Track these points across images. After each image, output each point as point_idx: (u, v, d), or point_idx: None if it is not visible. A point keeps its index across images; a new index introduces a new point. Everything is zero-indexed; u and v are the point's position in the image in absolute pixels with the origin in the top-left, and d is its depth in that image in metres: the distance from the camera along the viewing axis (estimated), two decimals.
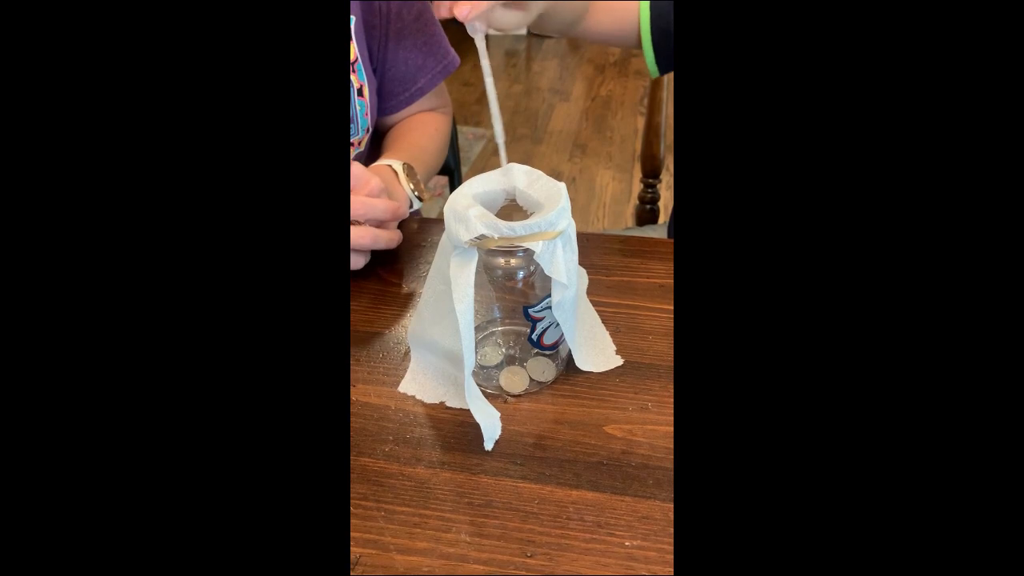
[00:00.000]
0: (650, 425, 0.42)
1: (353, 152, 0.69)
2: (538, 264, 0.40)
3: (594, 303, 0.51)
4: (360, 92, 0.66)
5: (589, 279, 0.53)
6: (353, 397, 0.45)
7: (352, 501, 0.38)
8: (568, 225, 0.40)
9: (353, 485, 0.39)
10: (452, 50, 0.74)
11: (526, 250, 0.39)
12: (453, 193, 0.40)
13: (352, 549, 0.36)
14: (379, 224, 0.53)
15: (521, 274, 0.42)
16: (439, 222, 0.60)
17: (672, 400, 0.44)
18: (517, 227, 0.38)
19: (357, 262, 0.53)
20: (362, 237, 0.51)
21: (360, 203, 0.51)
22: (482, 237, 0.38)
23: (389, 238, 0.54)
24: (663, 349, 0.48)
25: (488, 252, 0.40)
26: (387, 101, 0.71)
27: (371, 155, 0.75)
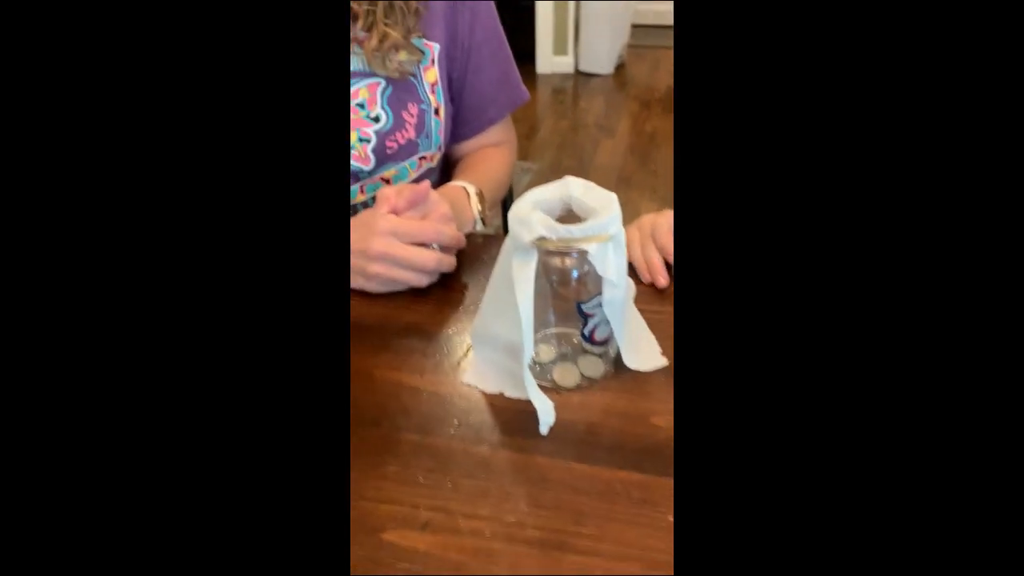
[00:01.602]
0: None
1: (424, 167, 0.75)
2: (591, 265, 0.44)
3: (641, 311, 0.55)
4: (437, 112, 0.72)
5: (636, 290, 0.58)
6: (421, 387, 0.50)
7: (422, 473, 0.43)
8: (618, 230, 0.44)
9: (422, 460, 0.43)
10: (523, 86, 0.80)
11: (580, 252, 0.44)
12: (516, 201, 0.45)
13: (422, 513, 0.40)
14: (443, 249, 0.58)
15: (575, 274, 0.46)
16: (500, 239, 0.65)
17: None
18: (573, 230, 0.42)
19: (421, 281, 0.57)
20: (429, 261, 0.56)
21: (432, 229, 0.56)
22: (542, 239, 0.43)
23: (451, 263, 0.58)
24: None
25: (546, 253, 0.44)
26: (460, 128, 0.78)
27: (441, 178, 0.81)
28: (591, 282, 0.46)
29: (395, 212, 0.57)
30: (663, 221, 0.59)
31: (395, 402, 0.48)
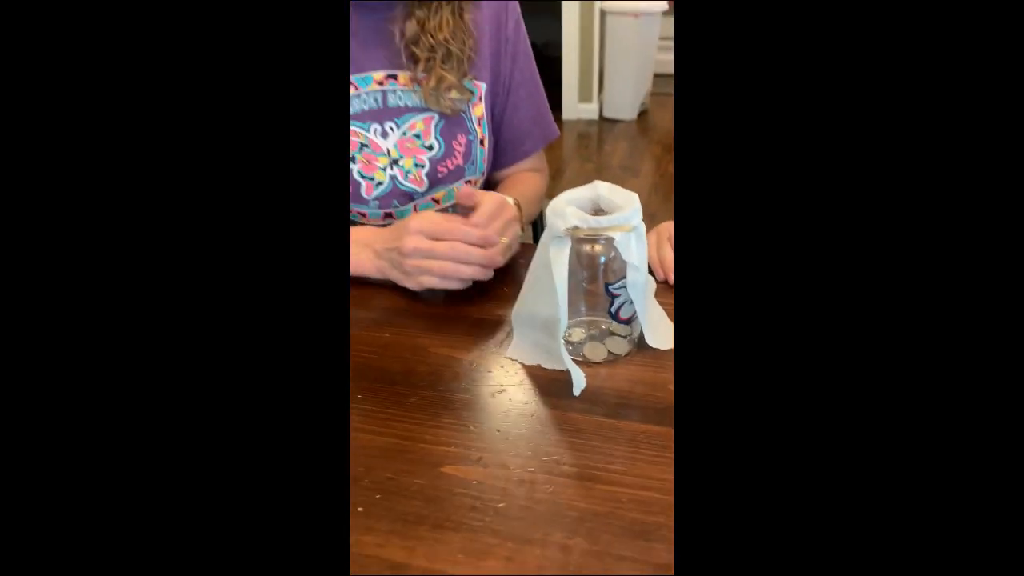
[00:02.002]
0: None
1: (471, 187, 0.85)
2: (617, 252, 0.52)
3: (659, 302, 0.63)
4: (482, 142, 0.82)
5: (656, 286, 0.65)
6: (469, 359, 0.57)
7: (472, 423, 0.50)
8: (640, 223, 0.52)
9: (472, 413, 0.51)
10: (554, 124, 0.90)
11: (607, 240, 0.52)
12: (553, 200, 0.54)
13: (474, 452, 0.47)
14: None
15: (603, 259, 0.54)
16: (534, 248, 0.74)
17: None
18: (602, 220, 0.50)
19: (452, 283, 0.63)
20: (457, 250, 0.61)
21: (460, 228, 0.61)
22: (575, 228, 0.51)
23: (485, 274, 0.64)
24: None
25: (578, 240, 0.53)
26: (499, 157, 0.88)
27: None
28: (617, 266, 0.54)
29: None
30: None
31: (448, 371, 0.56)
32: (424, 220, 0.62)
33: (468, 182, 0.83)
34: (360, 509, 0.43)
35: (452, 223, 0.62)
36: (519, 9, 0.84)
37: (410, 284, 0.65)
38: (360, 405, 0.52)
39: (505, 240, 0.65)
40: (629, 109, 3.55)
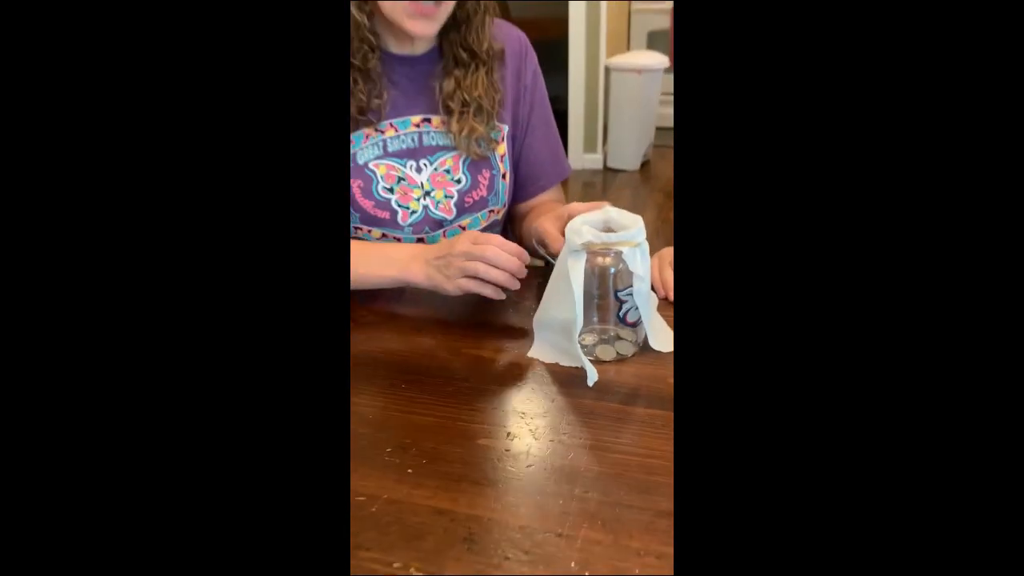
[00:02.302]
0: None
1: (492, 218, 0.94)
2: (624, 264, 0.61)
3: (662, 315, 0.72)
4: (504, 177, 0.93)
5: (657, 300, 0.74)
6: (496, 359, 0.66)
7: (500, 408, 0.59)
8: (644, 240, 0.62)
9: (500, 400, 0.60)
10: (567, 163, 1.01)
11: (616, 253, 0.61)
12: (570, 221, 0.63)
13: (502, 428, 0.56)
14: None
15: (613, 270, 0.63)
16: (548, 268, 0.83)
17: None
18: (612, 236, 0.60)
19: (487, 288, 0.71)
20: (499, 256, 0.69)
21: (496, 245, 0.71)
22: (589, 243, 0.60)
23: (513, 283, 0.72)
24: None
25: (592, 253, 0.62)
26: (519, 192, 0.98)
27: (504, 228, 1.01)
28: (624, 276, 0.63)
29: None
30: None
31: (479, 367, 0.65)
32: (473, 233, 0.73)
33: (491, 211, 0.93)
34: (410, 471, 0.51)
35: (495, 237, 0.72)
36: (536, 60, 0.96)
37: (450, 287, 0.72)
38: (404, 393, 0.61)
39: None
40: (632, 160, 3.71)
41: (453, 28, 0.85)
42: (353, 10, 0.80)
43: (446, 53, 0.87)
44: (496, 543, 0.45)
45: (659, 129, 3.95)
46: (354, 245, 0.80)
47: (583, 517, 0.47)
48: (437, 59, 0.88)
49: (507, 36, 0.92)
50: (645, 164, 3.81)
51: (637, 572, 0.42)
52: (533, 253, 0.81)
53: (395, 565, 0.43)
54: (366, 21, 0.81)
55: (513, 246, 0.71)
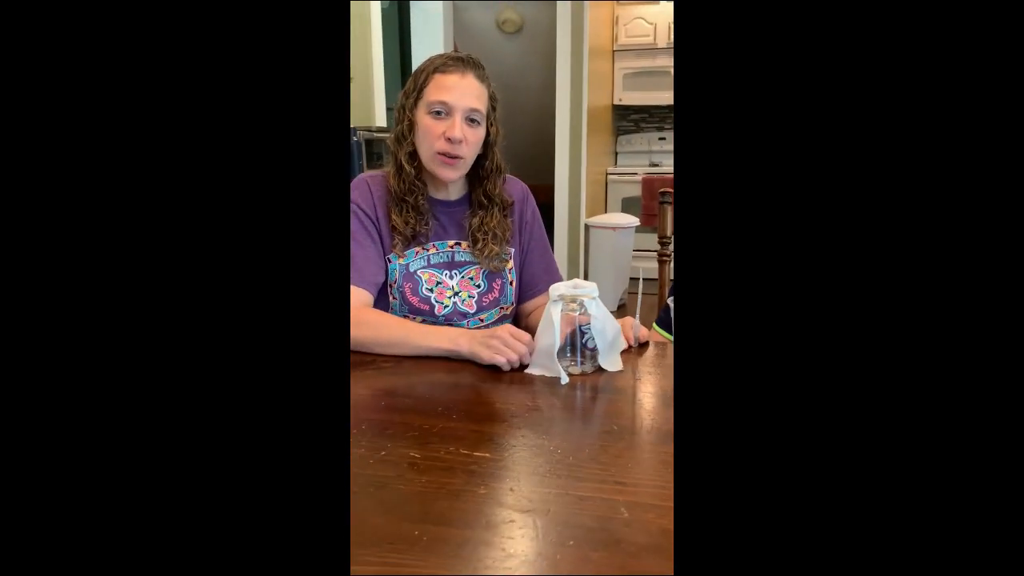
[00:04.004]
0: (639, 381, 0.98)
1: (502, 313, 1.32)
2: (585, 309, 1.00)
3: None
4: (511, 283, 1.32)
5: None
6: (509, 378, 1.02)
7: (517, 396, 0.94)
8: (597, 295, 1.01)
9: (515, 395, 0.95)
10: (559, 274, 1.38)
11: (581, 302, 1.00)
12: (551, 286, 1.03)
13: (509, 408, 0.91)
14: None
15: (577, 312, 1.02)
16: None
17: (646, 376, 1.00)
18: (578, 292, 0.99)
19: (508, 363, 1.05)
20: (519, 349, 1.03)
21: (520, 345, 1.05)
22: (563, 295, 0.99)
23: (517, 363, 1.06)
24: (641, 363, 1.05)
25: (565, 302, 1.01)
26: (522, 295, 1.37)
27: (513, 321, 1.39)
28: (586, 318, 1.02)
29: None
30: (635, 323, 1.15)
31: (499, 383, 1.01)
32: (510, 327, 1.06)
33: (502, 307, 1.33)
34: (453, 416, 0.86)
35: (523, 333, 1.05)
36: (535, 203, 1.40)
37: (484, 355, 1.04)
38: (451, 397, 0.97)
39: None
40: (610, 302, 4.20)
41: (477, 182, 1.30)
42: (404, 163, 1.23)
43: (473, 200, 1.31)
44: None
45: (633, 279, 4.48)
46: (415, 325, 1.15)
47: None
48: (467, 204, 1.31)
49: (513, 187, 1.37)
50: (621, 306, 4.29)
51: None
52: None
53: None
54: (413, 172, 1.24)
55: (525, 338, 1.05)
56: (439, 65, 1.20)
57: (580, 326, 1.02)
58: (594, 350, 1.03)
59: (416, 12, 5.05)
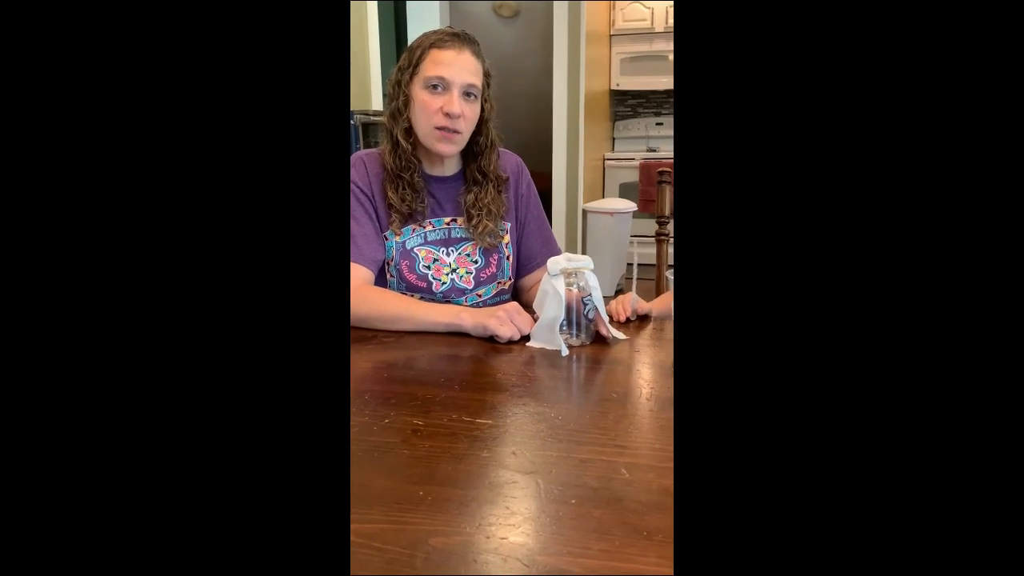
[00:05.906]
0: (638, 353, 0.99)
1: (500, 288, 1.32)
2: (586, 281, 1.01)
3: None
4: (508, 258, 1.32)
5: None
6: (514, 349, 1.03)
7: (519, 368, 0.95)
8: (592, 267, 1.02)
9: (519, 366, 0.96)
10: (557, 247, 1.38)
11: (579, 273, 1.01)
12: (549, 260, 1.03)
13: (514, 378, 0.92)
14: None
15: (576, 286, 1.02)
16: None
17: (644, 349, 1.01)
18: (576, 263, 1.00)
19: (516, 335, 1.06)
20: (526, 324, 1.06)
21: (526, 319, 1.07)
22: (564, 269, 1.00)
23: (520, 335, 1.08)
24: (639, 337, 1.06)
25: (565, 274, 1.02)
26: (520, 269, 1.37)
27: (512, 297, 1.39)
28: (585, 289, 1.02)
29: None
30: (633, 297, 1.16)
31: (505, 353, 1.02)
32: (516, 304, 1.08)
33: (499, 283, 1.33)
34: (455, 387, 0.87)
35: (527, 315, 1.07)
36: (529, 175, 1.39)
37: (491, 324, 1.05)
38: (458, 367, 0.98)
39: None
40: (607, 288, 4.20)
41: (471, 158, 1.30)
42: (400, 139, 1.23)
43: (468, 176, 1.31)
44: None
45: (628, 265, 4.49)
46: (417, 301, 1.16)
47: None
48: (461, 180, 1.31)
49: (508, 159, 1.37)
50: (619, 291, 4.30)
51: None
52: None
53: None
54: (410, 148, 1.24)
55: (527, 316, 1.08)
56: (435, 40, 1.19)
57: (582, 298, 1.03)
58: (592, 321, 1.04)
59: None
